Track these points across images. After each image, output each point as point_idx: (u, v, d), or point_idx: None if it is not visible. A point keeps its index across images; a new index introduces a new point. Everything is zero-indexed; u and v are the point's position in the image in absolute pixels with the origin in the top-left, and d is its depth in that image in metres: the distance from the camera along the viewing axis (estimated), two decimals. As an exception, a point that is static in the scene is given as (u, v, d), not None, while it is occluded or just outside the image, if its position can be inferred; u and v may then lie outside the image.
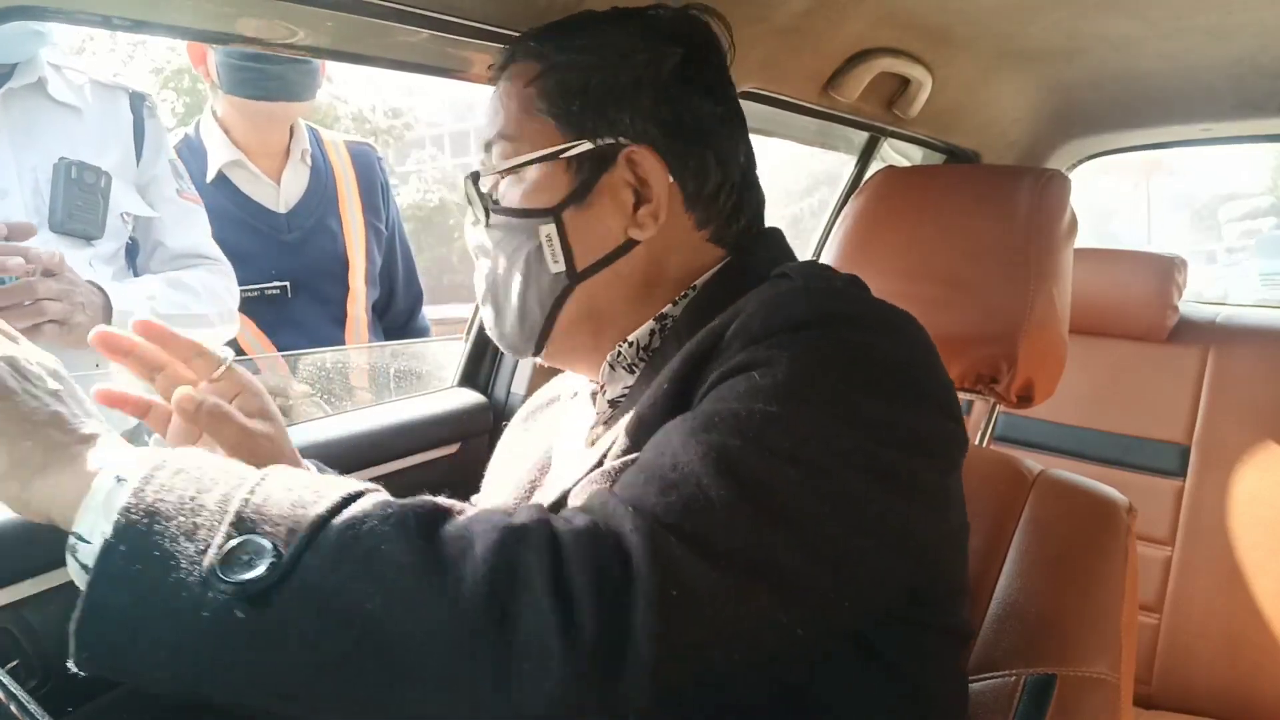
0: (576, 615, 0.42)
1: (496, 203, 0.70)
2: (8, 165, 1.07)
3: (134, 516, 0.44)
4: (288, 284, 1.54)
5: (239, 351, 1.43)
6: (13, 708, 0.45)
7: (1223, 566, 1.51)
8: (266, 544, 0.44)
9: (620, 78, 0.67)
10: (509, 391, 1.26)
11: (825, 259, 1.05)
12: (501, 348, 0.76)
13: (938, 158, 1.69)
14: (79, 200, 1.09)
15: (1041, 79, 1.45)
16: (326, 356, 1.55)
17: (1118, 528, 0.87)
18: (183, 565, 0.43)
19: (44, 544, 0.72)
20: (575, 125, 0.68)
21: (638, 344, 0.70)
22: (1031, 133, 1.69)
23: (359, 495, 0.47)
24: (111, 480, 0.47)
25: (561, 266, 0.68)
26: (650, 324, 0.70)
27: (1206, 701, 1.49)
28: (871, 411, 0.54)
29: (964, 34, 1.20)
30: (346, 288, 1.62)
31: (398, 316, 1.76)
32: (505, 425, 0.92)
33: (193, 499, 0.45)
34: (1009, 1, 1.10)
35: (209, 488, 0.46)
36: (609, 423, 0.70)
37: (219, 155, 1.53)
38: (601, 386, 0.72)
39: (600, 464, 0.63)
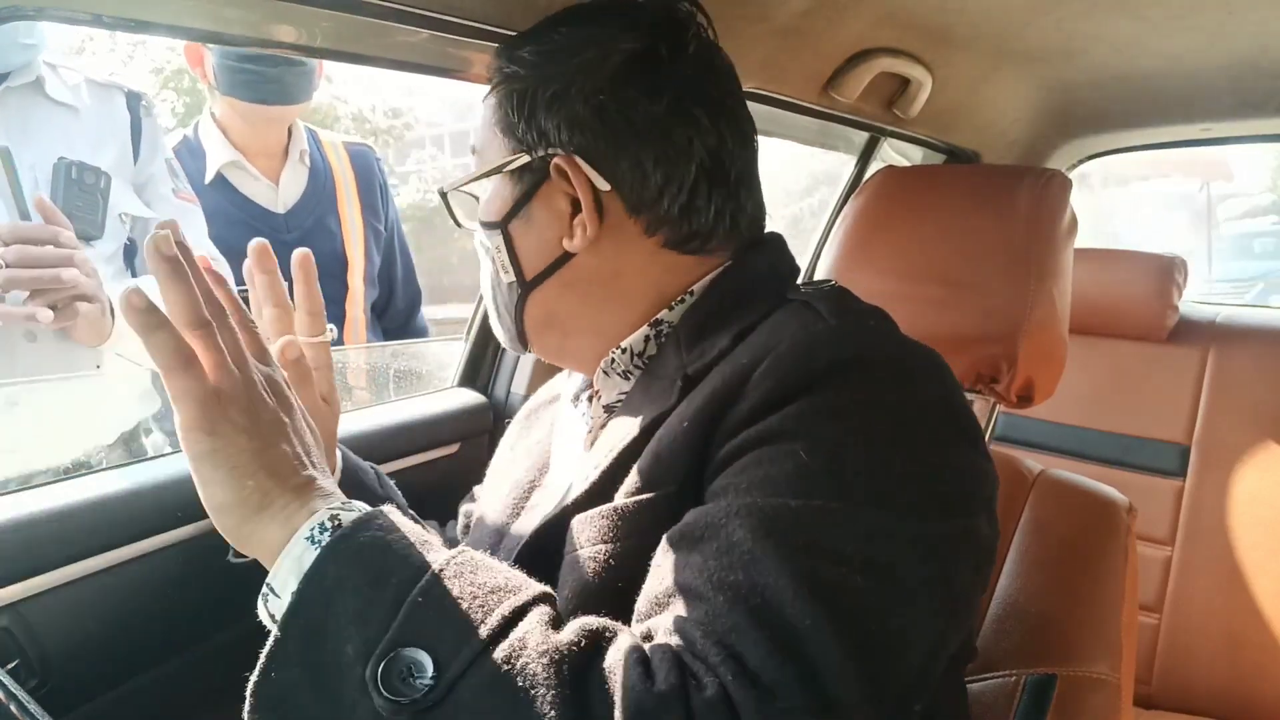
0: None
1: (453, 213, 0.74)
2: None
3: (311, 592, 0.47)
4: (287, 285, 1.54)
5: None
6: (13, 708, 0.45)
7: (1223, 566, 1.51)
8: (427, 661, 0.44)
9: (553, 84, 0.66)
10: (509, 391, 1.26)
11: (825, 259, 1.05)
12: (501, 343, 0.77)
13: (938, 158, 1.69)
14: (78, 200, 1.09)
15: (1041, 79, 1.45)
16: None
17: (1118, 528, 0.87)
18: (344, 659, 0.46)
19: (44, 544, 0.72)
20: (516, 138, 0.68)
21: (631, 350, 0.69)
22: (1031, 133, 1.69)
23: (526, 609, 0.48)
24: (304, 542, 0.50)
25: (512, 276, 0.70)
26: (645, 330, 0.69)
27: (1206, 701, 1.50)
28: (924, 476, 0.53)
29: (964, 34, 1.20)
30: (345, 288, 1.62)
31: (396, 317, 1.76)
32: (505, 425, 0.93)
33: (369, 585, 0.47)
34: (1009, 1, 1.10)
35: (385, 577, 0.48)
36: (605, 427, 0.70)
37: (217, 156, 1.53)
38: (596, 392, 0.72)
39: (599, 489, 0.61)
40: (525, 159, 0.68)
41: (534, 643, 0.46)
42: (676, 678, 0.46)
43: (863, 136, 1.61)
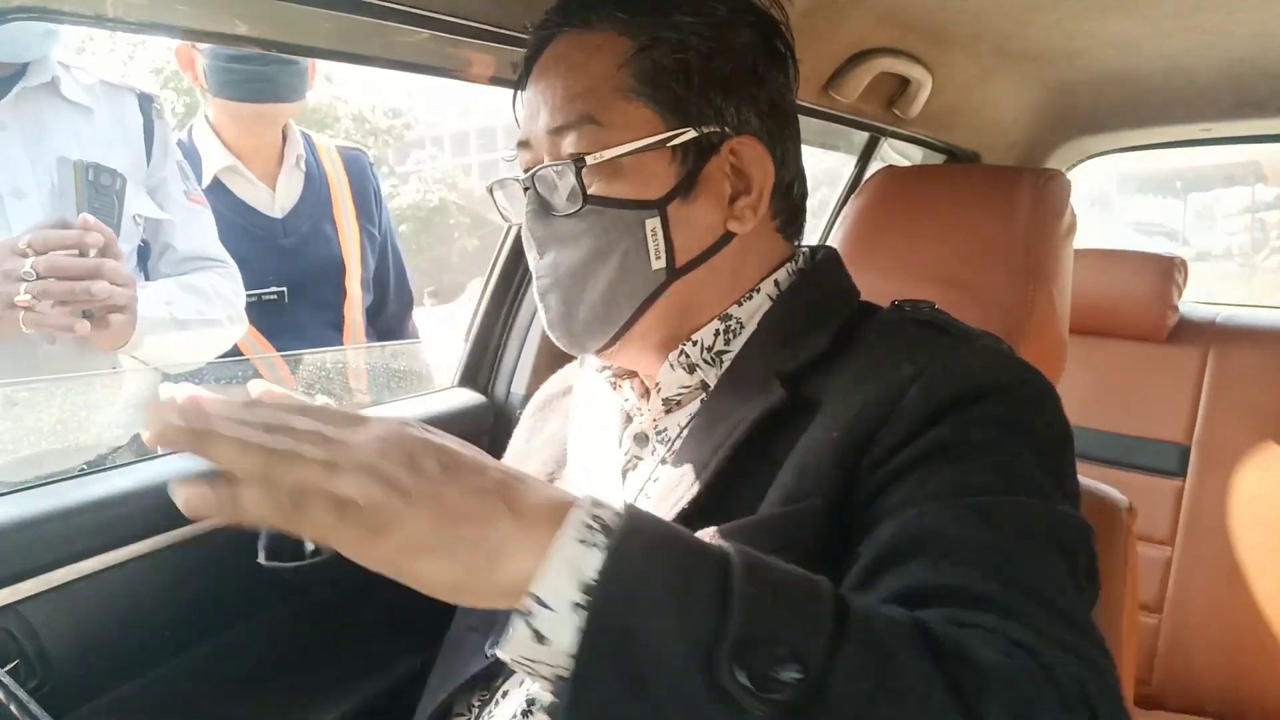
0: None
1: (584, 191, 0.63)
2: (23, 165, 1.07)
3: (613, 593, 0.40)
4: (284, 289, 1.54)
5: (237, 354, 1.43)
6: (13, 708, 0.45)
7: (1223, 566, 1.51)
8: (781, 648, 0.38)
9: (723, 60, 0.64)
10: (509, 391, 1.26)
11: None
12: (559, 341, 0.69)
13: (938, 158, 1.69)
14: (96, 202, 1.09)
15: (1041, 79, 1.45)
16: (326, 359, 1.56)
17: (1118, 528, 0.87)
18: (672, 662, 0.38)
19: (44, 544, 0.72)
20: (679, 111, 0.63)
21: (702, 344, 0.68)
22: (1031, 133, 1.69)
23: (835, 589, 0.43)
24: (576, 545, 0.41)
25: (663, 262, 0.65)
26: (715, 324, 0.68)
27: (1206, 701, 1.50)
28: (1065, 480, 0.57)
29: (964, 34, 1.20)
30: (344, 293, 1.62)
31: (389, 321, 1.76)
32: (505, 425, 0.92)
33: (679, 578, 0.41)
34: (1009, 1, 1.10)
35: (692, 569, 0.41)
36: (659, 419, 0.70)
37: (213, 161, 1.53)
38: (656, 385, 0.69)
39: (716, 492, 0.59)
40: (693, 134, 0.64)
41: (880, 622, 0.41)
42: (1013, 650, 0.43)
43: (863, 136, 1.61)
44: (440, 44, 0.83)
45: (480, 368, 1.28)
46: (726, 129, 0.65)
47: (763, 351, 0.65)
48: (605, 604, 0.39)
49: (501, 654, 0.42)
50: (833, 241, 1.06)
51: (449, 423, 1.18)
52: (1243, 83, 1.41)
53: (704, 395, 0.68)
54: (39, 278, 0.94)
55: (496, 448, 0.90)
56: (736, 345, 0.68)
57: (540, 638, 0.40)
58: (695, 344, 0.68)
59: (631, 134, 0.63)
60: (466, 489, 0.43)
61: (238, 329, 1.29)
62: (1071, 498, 0.56)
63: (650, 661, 0.39)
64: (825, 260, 0.73)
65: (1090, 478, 0.94)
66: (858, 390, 0.59)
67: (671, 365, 0.68)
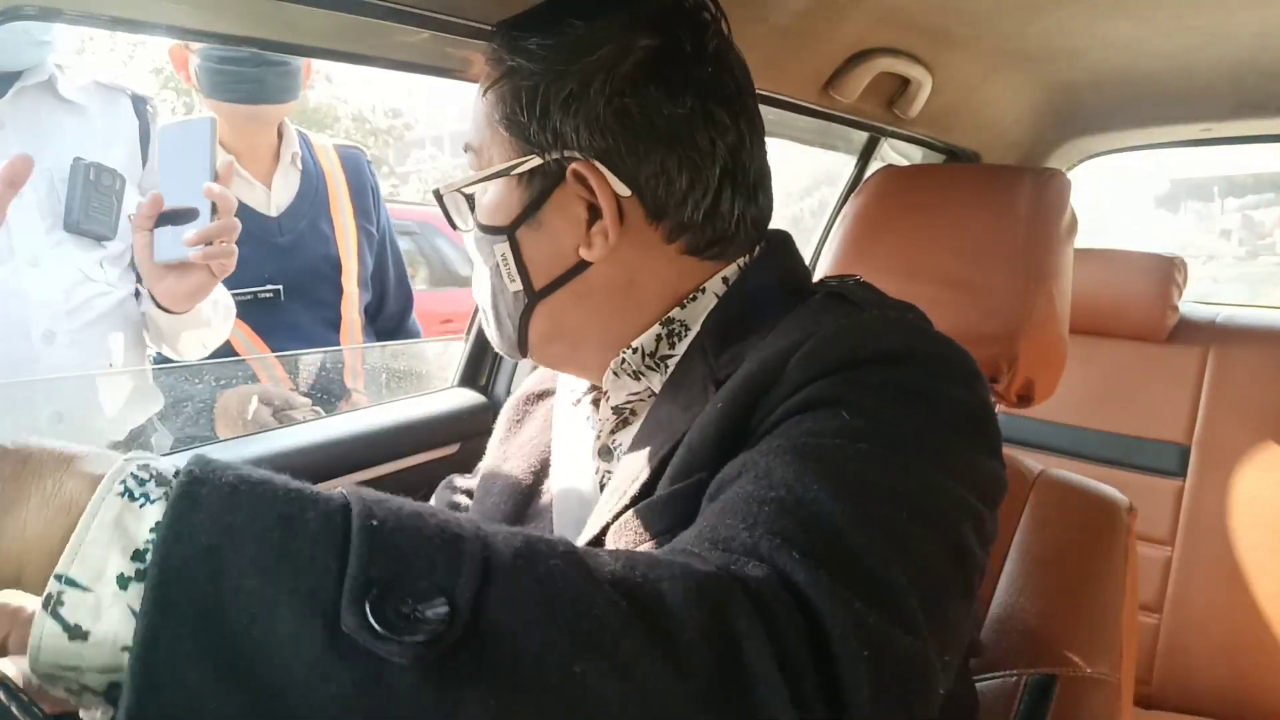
0: (802, 688, 0.38)
1: (473, 211, 0.67)
2: None
3: (182, 555, 0.31)
4: (280, 288, 1.54)
5: (232, 353, 1.43)
6: (13, 708, 0.45)
7: (1223, 566, 1.51)
8: (421, 583, 0.32)
9: (569, 83, 0.62)
10: (509, 391, 1.26)
11: (825, 259, 1.05)
12: (497, 350, 0.74)
13: (938, 158, 1.69)
14: (95, 201, 1.10)
15: (1041, 79, 1.45)
16: (323, 359, 1.56)
17: (1118, 528, 0.87)
18: (278, 630, 0.30)
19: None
20: (525, 138, 0.64)
21: (643, 350, 0.66)
22: (1031, 133, 1.69)
23: (485, 528, 0.37)
24: (119, 500, 0.33)
25: (519, 285, 0.66)
26: (655, 329, 0.66)
27: (1206, 701, 1.50)
28: (959, 458, 0.53)
29: (964, 34, 1.20)
30: (340, 291, 1.62)
31: (389, 320, 1.76)
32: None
33: (280, 527, 0.32)
34: (1009, 1, 1.10)
35: (297, 514, 0.33)
36: (616, 431, 0.69)
37: None
38: (604, 393, 0.69)
39: (640, 491, 0.59)
40: (537, 161, 0.63)
41: (543, 547, 0.36)
42: (724, 559, 0.42)
43: (863, 136, 1.61)
44: (440, 44, 0.83)
45: (480, 368, 1.28)
46: (566, 154, 0.62)
47: (704, 356, 0.63)
48: (169, 571, 0.30)
49: (10, 671, 0.33)
50: (832, 241, 1.06)
51: (449, 423, 1.18)
52: (1243, 83, 1.40)
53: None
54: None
55: (496, 448, 0.90)
56: (681, 348, 0.66)
57: (76, 632, 0.31)
58: (635, 350, 0.66)
59: (490, 162, 0.66)
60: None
61: (226, 325, 1.30)
62: (965, 474, 0.52)
63: (252, 634, 0.30)
64: (768, 251, 0.69)
65: (1090, 478, 0.94)
66: (753, 359, 0.58)
67: (615, 373, 0.67)
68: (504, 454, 0.81)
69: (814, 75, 1.20)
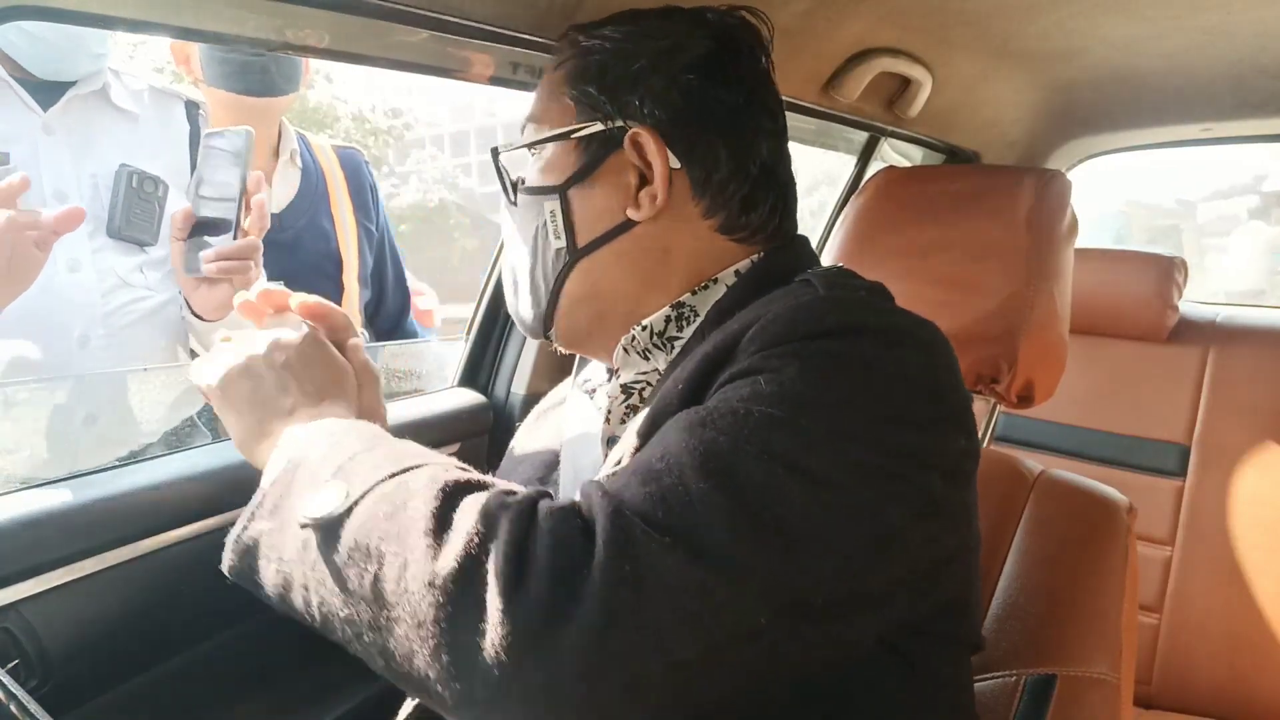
0: (530, 576, 0.46)
1: (522, 181, 0.73)
2: (66, 169, 1.08)
3: (281, 476, 0.56)
4: (281, 284, 1.54)
5: None
6: (13, 708, 0.45)
7: (1223, 566, 1.51)
8: (343, 489, 0.52)
9: (637, 62, 0.68)
10: (509, 391, 1.26)
11: (825, 259, 1.05)
12: (521, 329, 0.78)
13: (938, 158, 1.69)
14: (137, 208, 1.12)
15: (1041, 79, 1.45)
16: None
17: (1118, 528, 0.87)
18: (299, 509, 0.53)
19: (45, 544, 0.72)
20: (591, 107, 0.69)
21: (652, 329, 0.70)
22: (1031, 133, 1.69)
23: (434, 463, 0.54)
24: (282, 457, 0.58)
25: (563, 242, 0.70)
26: (666, 310, 0.70)
27: (1206, 701, 1.50)
28: (884, 424, 0.53)
29: (964, 34, 1.20)
30: (341, 288, 1.62)
31: (387, 319, 1.76)
32: (504, 425, 0.93)
33: (316, 464, 0.55)
34: (1009, 1, 1.10)
35: (338, 448, 0.56)
36: (625, 420, 0.70)
37: None
38: (616, 371, 0.72)
39: (619, 462, 0.62)
40: (598, 127, 0.69)
41: (426, 472, 0.52)
42: (539, 493, 0.51)
43: (863, 136, 1.61)
44: (440, 44, 0.84)
45: (480, 368, 1.28)
46: (629, 123, 0.68)
47: (701, 340, 0.66)
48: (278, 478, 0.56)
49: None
50: (833, 241, 1.06)
51: (449, 423, 1.18)
52: (1243, 83, 1.40)
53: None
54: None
55: (496, 448, 0.90)
56: (688, 332, 0.70)
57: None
58: (645, 329, 0.70)
59: (553, 129, 0.71)
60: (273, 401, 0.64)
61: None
62: (889, 440, 0.53)
63: (289, 506, 0.55)
64: (783, 247, 0.73)
65: (1090, 478, 0.94)
66: (710, 342, 0.61)
67: (625, 349, 0.71)
68: (518, 459, 0.85)
69: (814, 75, 1.20)
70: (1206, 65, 1.33)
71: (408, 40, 0.82)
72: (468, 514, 0.49)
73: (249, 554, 0.55)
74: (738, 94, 0.70)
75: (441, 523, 0.49)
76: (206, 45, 1.43)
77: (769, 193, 0.71)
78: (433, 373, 1.46)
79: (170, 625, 0.83)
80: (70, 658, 0.74)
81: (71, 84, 1.11)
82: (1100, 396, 1.67)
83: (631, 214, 0.69)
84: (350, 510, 0.51)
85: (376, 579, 0.49)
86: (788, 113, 1.19)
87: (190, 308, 1.10)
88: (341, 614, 0.50)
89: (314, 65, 1.54)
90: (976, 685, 0.80)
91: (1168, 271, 1.64)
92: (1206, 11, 1.11)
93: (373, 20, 0.75)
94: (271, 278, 1.54)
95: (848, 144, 1.65)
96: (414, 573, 0.47)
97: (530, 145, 0.72)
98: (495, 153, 0.75)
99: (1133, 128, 1.74)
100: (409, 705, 0.73)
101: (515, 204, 0.74)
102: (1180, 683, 1.52)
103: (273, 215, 1.56)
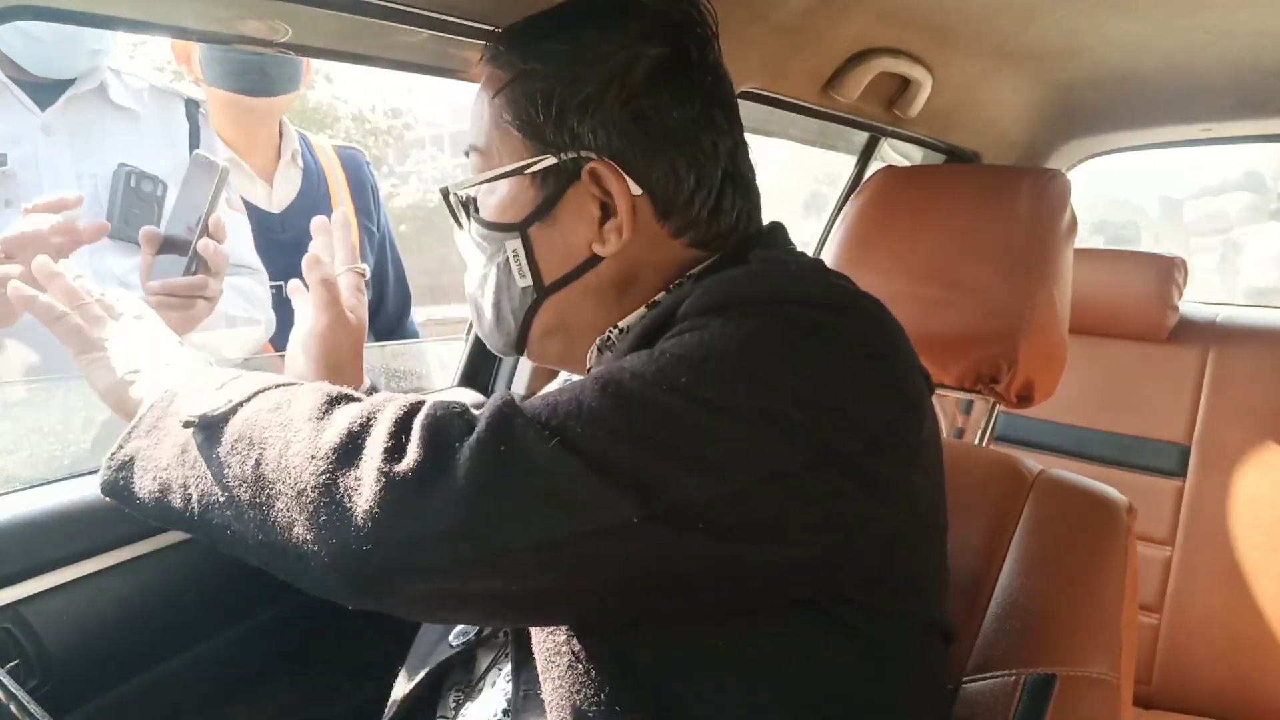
0: (408, 445, 0.50)
1: (478, 211, 0.70)
2: (66, 169, 1.08)
3: (159, 401, 0.61)
4: (281, 284, 1.54)
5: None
6: (13, 708, 0.45)
7: (1223, 566, 1.51)
8: (225, 396, 0.58)
9: (585, 86, 0.64)
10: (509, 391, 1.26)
11: (825, 259, 1.05)
12: (488, 346, 0.76)
13: (938, 158, 1.69)
14: (136, 208, 1.11)
15: (1041, 79, 1.45)
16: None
17: (1118, 528, 0.87)
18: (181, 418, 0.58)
19: (44, 544, 0.72)
20: (540, 139, 0.66)
21: (629, 330, 0.69)
22: (1031, 133, 1.69)
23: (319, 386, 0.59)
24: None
25: (529, 281, 0.69)
26: (642, 310, 0.69)
27: (1206, 701, 1.50)
28: (800, 379, 0.53)
29: (964, 34, 1.20)
30: None
31: (387, 320, 1.76)
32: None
33: (198, 386, 0.61)
34: (1009, 1, 1.10)
35: (211, 377, 0.62)
36: None
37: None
38: (589, 370, 0.71)
39: None
40: (552, 161, 0.66)
41: (312, 385, 0.57)
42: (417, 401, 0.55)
43: (863, 136, 1.61)
44: (440, 44, 0.83)
45: (480, 368, 1.28)
46: (584, 154, 0.65)
47: (668, 330, 0.66)
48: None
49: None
50: (832, 241, 1.06)
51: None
52: (1243, 83, 1.40)
53: None
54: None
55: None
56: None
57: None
58: (622, 330, 0.69)
59: (501, 162, 0.68)
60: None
61: (268, 331, 1.32)
62: (786, 394, 0.52)
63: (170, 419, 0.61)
64: (753, 237, 0.71)
65: (1090, 478, 0.94)
66: (650, 320, 0.62)
67: (600, 349, 0.70)
68: None
69: (814, 75, 1.20)
70: (1206, 65, 1.33)
71: (408, 40, 0.82)
72: (354, 405, 0.54)
73: (124, 469, 0.59)
74: (692, 104, 0.66)
75: (326, 412, 0.54)
76: (206, 45, 1.43)
77: (735, 195, 0.69)
78: (433, 373, 1.47)
79: (170, 625, 0.83)
80: (70, 658, 0.74)
81: (69, 83, 1.10)
82: (1100, 396, 1.67)
83: (598, 249, 0.67)
84: (235, 409, 0.56)
85: (258, 463, 0.53)
86: (788, 113, 1.18)
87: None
88: (220, 500, 0.54)
89: (314, 65, 1.54)
90: (976, 685, 0.80)
91: (1168, 271, 1.64)
92: (1206, 11, 1.11)
93: (373, 20, 0.75)
94: (273, 278, 1.54)
95: (848, 144, 1.65)
96: (296, 449, 0.52)
97: (475, 185, 0.69)
98: (445, 193, 0.72)
99: (1133, 128, 1.74)
100: (398, 692, 0.72)
101: (474, 240, 0.71)
102: (1180, 683, 1.52)
103: (274, 215, 1.56)
